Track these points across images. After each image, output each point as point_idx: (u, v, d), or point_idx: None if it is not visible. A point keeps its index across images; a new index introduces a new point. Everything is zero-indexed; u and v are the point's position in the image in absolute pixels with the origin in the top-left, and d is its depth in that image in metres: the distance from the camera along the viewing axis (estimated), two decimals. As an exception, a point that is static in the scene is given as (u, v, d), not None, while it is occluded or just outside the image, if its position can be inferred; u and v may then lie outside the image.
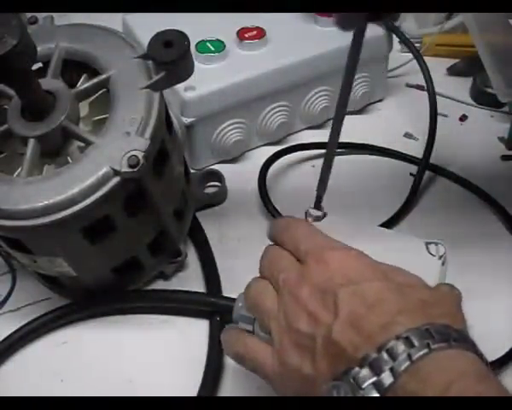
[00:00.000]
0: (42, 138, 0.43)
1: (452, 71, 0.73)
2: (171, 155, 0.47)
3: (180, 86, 0.55)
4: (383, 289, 0.33)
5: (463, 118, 0.67)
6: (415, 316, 0.32)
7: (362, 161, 0.63)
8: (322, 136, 0.65)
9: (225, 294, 0.50)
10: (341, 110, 0.42)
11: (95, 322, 0.50)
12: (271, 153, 0.61)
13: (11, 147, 0.46)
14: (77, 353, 0.48)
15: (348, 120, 0.66)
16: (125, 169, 0.40)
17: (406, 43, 0.65)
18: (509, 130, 0.64)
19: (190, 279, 0.52)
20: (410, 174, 0.61)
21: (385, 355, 0.30)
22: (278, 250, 0.39)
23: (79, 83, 0.47)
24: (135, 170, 0.40)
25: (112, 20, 0.53)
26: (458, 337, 0.31)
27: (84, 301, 0.49)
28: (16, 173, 0.44)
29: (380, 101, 0.70)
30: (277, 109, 0.62)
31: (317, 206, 0.41)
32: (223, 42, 0.60)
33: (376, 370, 0.30)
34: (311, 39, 0.62)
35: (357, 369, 0.30)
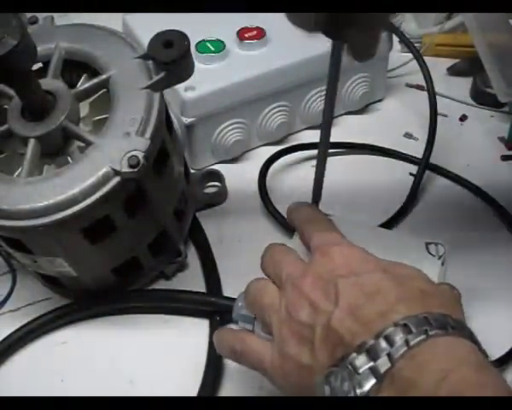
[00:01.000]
0: (42, 138, 0.43)
1: (452, 71, 0.73)
2: (171, 155, 0.47)
3: (180, 86, 0.54)
4: (383, 280, 0.34)
5: (463, 118, 0.67)
6: (413, 305, 0.32)
7: (362, 161, 0.63)
8: (322, 136, 0.66)
9: (225, 294, 0.50)
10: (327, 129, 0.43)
11: (95, 322, 0.50)
12: (271, 153, 0.61)
13: (11, 147, 0.46)
14: (77, 353, 0.48)
15: (348, 120, 0.68)
16: (125, 169, 0.40)
17: (406, 43, 0.65)
18: (508, 130, 0.64)
19: (190, 279, 0.52)
20: (410, 174, 0.61)
21: (382, 342, 0.30)
22: (284, 247, 0.39)
23: (79, 83, 0.47)
24: (135, 170, 0.40)
25: (112, 20, 0.53)
26: (456, 326, 0.31)
27: (84, 301, 0.49)
28: (16, 173, 0.44)
29: (380, 101, 0.69)
30: (277, 109, 0.62)
31: None
32: (223, 42, 0.60)
33: (373, 355, 0.30)
34: (311, 39, 0.62)
35: (354, 355, 0.31)
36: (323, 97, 0.64)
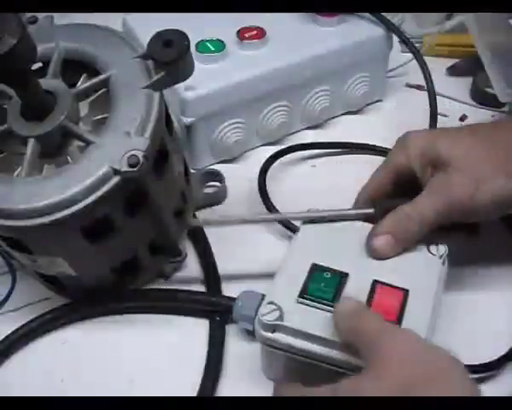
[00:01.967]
0: (42, 138, 0.43)
1: (452, 71, 0.73)
2: (171, 155, 0.47)
3: (180, 86, 0.55)
4: None
5: (463, 118, 0.67)
6: None
7: (362, 162, 0.63)
8: (322, 136, 0.66)
9: (225, 294, 0.50)
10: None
11: (94, 322, 0.50)
12: (271, 153, 0.61)
13: (11, 147, 0.46)
14: (77, 353, 0.48)
15: (348, 120, 0.68)
16: (125, 169, 0.40)
17: (406, 43, 0.65)
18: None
19: (190, 279, 0.52)
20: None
21: None
22: None
23: (79, 83, 0.47)
24: (135, 170, 0.40)
25: (112, 20, 0.53)
26: None
27: (83, 301, 0.49)
28: (16, 173, 0.44)
29: (380, 101, 0.70)
30: (277, 109, 0.62)
31: None
32: (223, 42, 0.60)
33: None
34: (311, 39, 0.62)
35: None
36: (323, 97, 0.64)
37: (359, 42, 0.63)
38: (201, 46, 0.60)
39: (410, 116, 0.67)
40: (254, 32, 0.61)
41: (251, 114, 0.61)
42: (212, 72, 0.58)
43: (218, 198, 0.59)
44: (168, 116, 0.48)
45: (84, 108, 0.46)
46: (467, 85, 0.70)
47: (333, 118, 0.67)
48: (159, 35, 0.43)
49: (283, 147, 0.62)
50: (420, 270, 0.42)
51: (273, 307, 0.39)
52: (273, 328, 0.39)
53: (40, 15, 0.49)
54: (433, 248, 0.43)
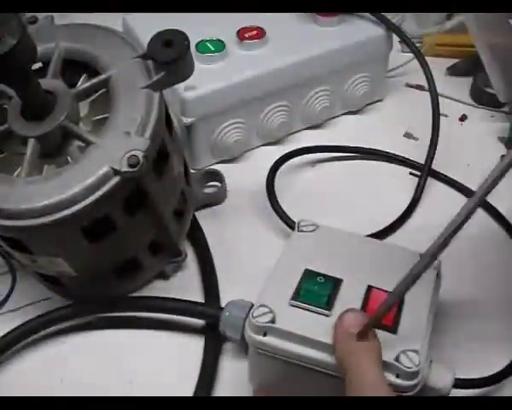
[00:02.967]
0: (42, 138, 0.43)
1: (452, 71, 0.73)
2: (171, 155, 0.47)
3: (180, 86, 0.55)
4: None
5: (463, 118, 0.67)
6: None
7: (361, 162, 0.63)
8: (322, 136, 0.66)
9: (224, 294, 0.50)
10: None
11: (94, 322, 0.50)
12: (271, 153, 0.61)
13: (11, 147, 0.46)
14: (77, 353, 0.48)
15: (348, 120, 0.68)
16: (125, 169, 0.40)
17: (407, 42, 0.64)
18: (508, 130, 0.64)
19: (190, 279, 0.52)
20: (410, 173, 0.61)
21: None
22: None
23: (79, 83, 0.47)
24: (135, 170, 0.40)
25: (112, 20, 0.53)
26: None
27: (76, 306, 0.49)
28: (16, 173, 0.44)
29: (380, 101, 0.70)
30: (277, 109, 0.62)
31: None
32: (223, 42, 0.60)
33: None
34: (311, 39, 0.63)
35: None
36: (323, 97, 0.64)
37: (359, 42, 0.63)
38: (201, 46, 0.60)
39: (410, 116, 0.67)
40: (254, 32, 0.61)
41: (251, 114, 0.61)
42: (212, 72, 0.58)
43: (218, 198, 0.59)
44: (168, 116, 0.48)
45: (84, 108, 0.46)
46: (467, 85, 0.70)
47: (333, 118, 0.67)
48: (159, 35, 0.44)
49: (297, 148, 0.61)
50: None
51: (265, 309, 0.38)
52: (265, 331, 0.38)
53: (40, 15, 0.49)
54: None
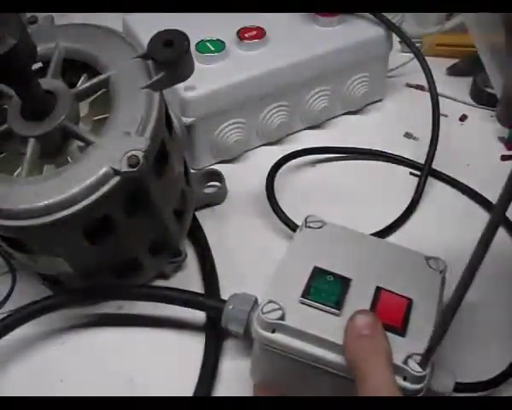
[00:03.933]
0: (42, 138, 0.43)
1: (452, 71, 0.73)
2: (171, 155, 0.47)
3: (180, 86, 0.55)
4: None
5: (463, 118, 0.67)
6: None
7: (361, 162, 0.63)
8: (322, 136, 0.66)
9: (224, 294, 0.50)
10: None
11: (94, 322, 0.50)
12: (272, 153, 0.61)
13: (11, 147, 0.46)
14: (76, 353, 0.48)
15: (348, 120, 0.68)
16: (125, 169, 0.40)
17: (408, 43, 0.65)
18: (509, 130, 0.64)
19: (190, 279, 0.52)
20: (410, 173, 0.61)
21: None
22: None
23: (79, 83, 0.47)
24: (135, 169, 0.40)
25: (112, 20, 0.53)
26: None
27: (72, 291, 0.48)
28: (16, 173, 0.44)
29: (380, 101, 0.70)
30: (277, 109, 0.62)
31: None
32: (223, 42, 0.60)
33: None
34: (311, 39, 0.63)
35: None
36: (323, 97, 0.64)
37: (359, 42, 0.63)
38: (201, 46, 0.60)
39: (410, 116, 0.67)
40: (254, 32, 0.61)
41: (251, 114, 0.61)
42: (212, 72, 0.58)
43: (218, 198, 0.59)
44: (168, 116, 0.48)
45: (84, 108, 0.46)
46: (467, 85, 0.70)
47: (333, 118, 0.67)
48: (159, 35, 0.43)
49: (296, 149, 0.61)
50: (421, 282, 0.41)
51: (275, 305, 0.38)
52: (273, 327, 0.38)
53: (40, 15, 0.49)
54: (432, 262, 0.42)
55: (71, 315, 0.50)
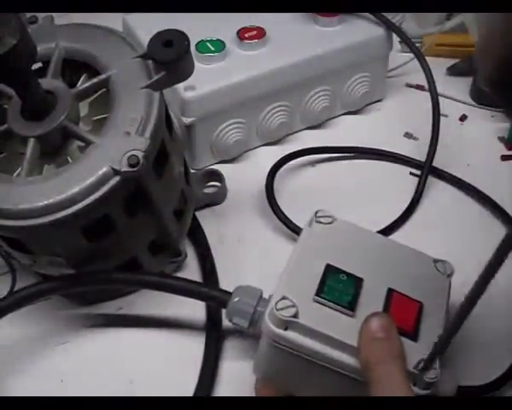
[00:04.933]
0: (42, 138, 0.43)
1: (452, 71, 0.73)
2: (171, 155, 0.47)
3: (180, 86, 0.55)
4: None
5: (463, 118, 0.67)
6: None
7: (362, 162, 0.63)
8: (322, 136, 0.66)
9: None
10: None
11: (94, 322, 0.50)
12: (271, 153, 0.61)
13: (11, 147, 0.46)
14: (77, 353, 0.48)
15: (348, 120, 0.68)
16: (125, 169, 0.40)
17: (407, 42, 0.64)
18: (509, 130, 0.64)
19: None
20: (411, 173, 0.61)
21: None
22: None
23: (79, 83, 0.47)
24: (135, 169, 0.40)
25: (112, 20, 0.53)
26: None
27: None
28: (16, 173, 0.44)
29: (380, 101, 0.70)
30: (277, 109, 0.62)
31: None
32: (223, 42, 0.60)
33: None
34: (311, 39, 0.63)
35: None
36: (323, 97, 0.64)
37: (359, 42, 0.63)
38: (201, 46, 0.60)
39: (410, 116, 0.67)
40: (254, 32, 0.61)
41: (251, 114, 0.61)
42: (212, 72, 0.58)
43: (218, 198, 0.59)
44: (168, 116, 0.48)
45: (84, 108, 0.46)
46: (467, 85, 0.70)
47: (333, 118, 0.67)
48: (159, 35, 0.43)
49: (296, 150, 0.61)
50: (430, 285, 0.41)
51: (289, 302, 0.37)
52: (286, 325, 0.37)
53: (40, 15, 0.49)
54: (439, 265, 0.42)
55: (71, 315, 0.50)
